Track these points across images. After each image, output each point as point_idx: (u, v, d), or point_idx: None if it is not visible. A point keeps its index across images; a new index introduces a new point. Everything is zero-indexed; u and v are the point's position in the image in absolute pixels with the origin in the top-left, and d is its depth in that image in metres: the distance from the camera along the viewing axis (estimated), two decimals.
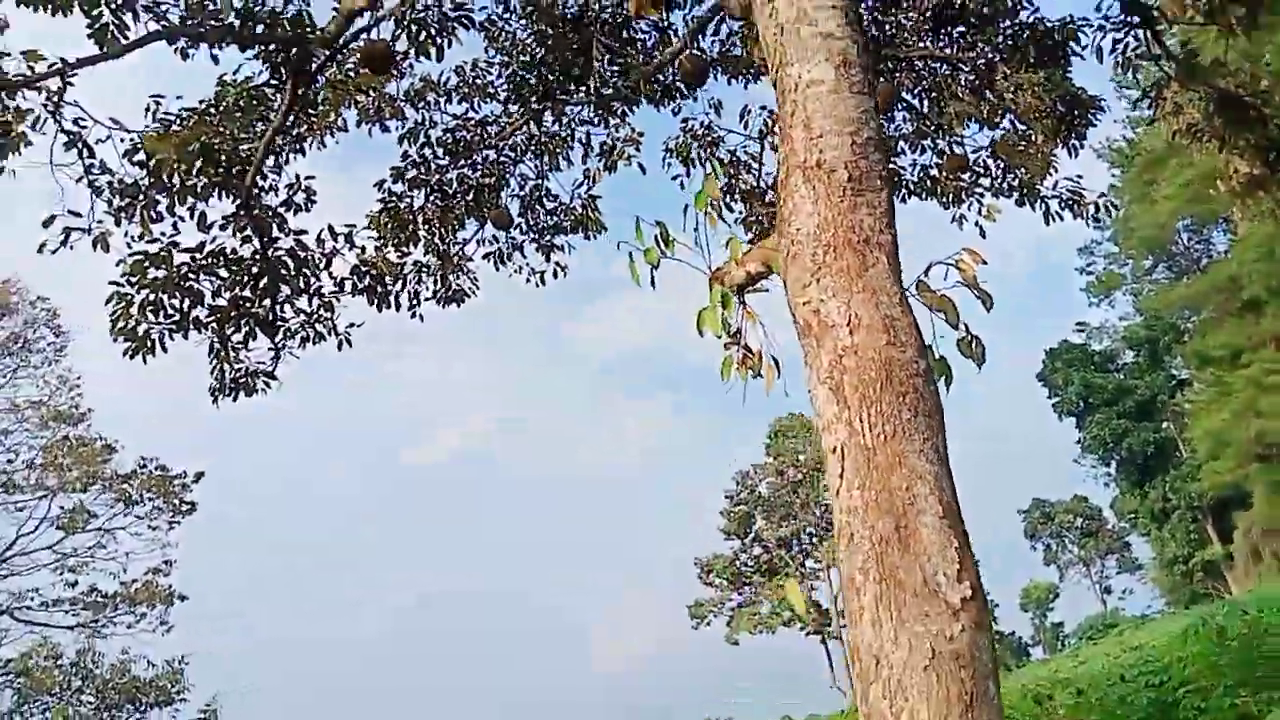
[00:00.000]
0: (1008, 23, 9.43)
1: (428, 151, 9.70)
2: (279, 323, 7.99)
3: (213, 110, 7.94)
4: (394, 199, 9.59)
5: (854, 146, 3.59)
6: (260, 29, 6.25)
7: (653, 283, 4.77)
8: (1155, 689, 11.56)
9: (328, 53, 6.64)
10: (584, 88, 8.23)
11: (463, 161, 9.88)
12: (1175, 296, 43.59)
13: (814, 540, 45.98)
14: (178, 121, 7.67)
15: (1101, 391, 48.95)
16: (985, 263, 4.45)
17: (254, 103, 8.03)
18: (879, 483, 3.04)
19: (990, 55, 9.58)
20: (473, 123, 9.82)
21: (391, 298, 8.63)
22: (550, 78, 8.47)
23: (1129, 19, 7.27)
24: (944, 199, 9.99)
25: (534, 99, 8.64)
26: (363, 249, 8.29)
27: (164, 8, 6.78)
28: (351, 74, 8.55)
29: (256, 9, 6.24)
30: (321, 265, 7.91)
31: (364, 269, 8.27)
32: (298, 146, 8.81)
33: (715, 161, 8.72)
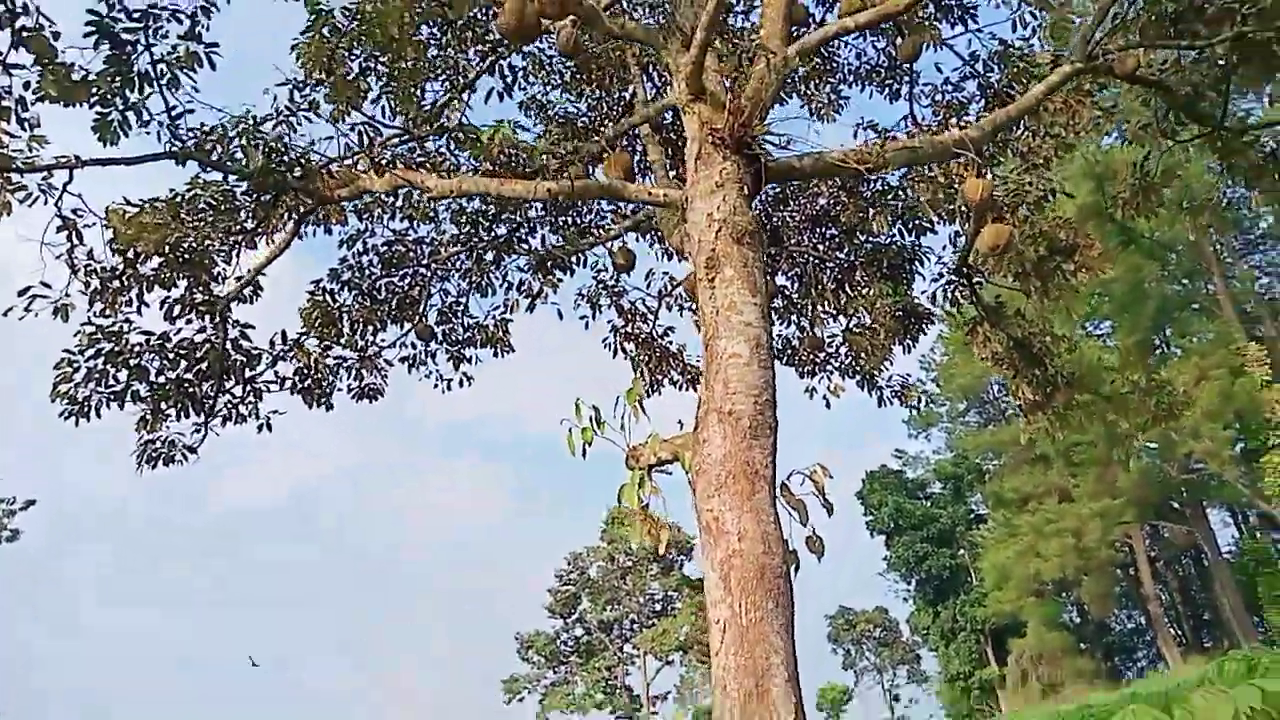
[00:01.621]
0: (869, 239, 11.58)
1: (364, 259, 10.79)
2: (212, 404, 8.75)
3: (183, 204, 8.80)
4: (325, 296, 10.56)
5: (755, 404, 5.13)
6: (272, 177, 7.22)
7: (584, 454, 6.15)
8: None
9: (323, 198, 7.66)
10: (525, 246, 9.57)
11: (394, 272, 11.00)
12: (981, 440, 48.66)
13: (635, 627, 47.31)
14: (150, 211, 8.48)
15: (910, 516, 53.15)
16: (831, 477, 6.09)
17: (225, 206, 8.95)
18: (748, 652, 4.48)
19: (853, 260, 11.66)
20: (410, 239, 11.01)
21: (324, 396, 9.52)
22: (495, 230, 9.79)
23: (958, 273, 9.38)
24: (800, 369, 11.87)
25: (478, 242, 9.92)
26: (309, 353, 9.18)
27: (175, 111, 7.66)
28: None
29: (274, 162, 7.22)
30: (269, 364, 8.77)
31: (306, 372, 9.17)
32: (252, 242, 9.72)
33: (641, 368, 10.18)
